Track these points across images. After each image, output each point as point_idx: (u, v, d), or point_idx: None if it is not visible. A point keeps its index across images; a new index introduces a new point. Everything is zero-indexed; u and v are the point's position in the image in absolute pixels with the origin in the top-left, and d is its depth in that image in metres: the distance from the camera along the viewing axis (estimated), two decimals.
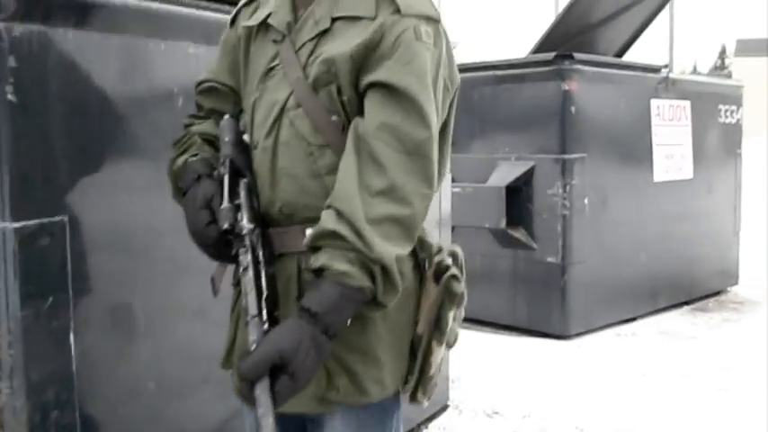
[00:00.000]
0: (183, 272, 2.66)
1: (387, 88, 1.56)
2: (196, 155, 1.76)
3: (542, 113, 5.89)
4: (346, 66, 1.58)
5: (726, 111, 7.50)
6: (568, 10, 6.41)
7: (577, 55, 5.91)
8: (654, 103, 6.52)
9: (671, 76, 6.76)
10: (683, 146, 6.87)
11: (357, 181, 1.52)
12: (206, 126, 1.82)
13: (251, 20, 1.77)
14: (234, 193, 1.64)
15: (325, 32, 1.64)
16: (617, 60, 6.89)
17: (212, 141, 1.79)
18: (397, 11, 1.58)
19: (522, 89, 6.02)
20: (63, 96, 2.37)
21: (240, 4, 1.85)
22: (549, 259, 5.88)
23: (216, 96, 1.83)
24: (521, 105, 6.01)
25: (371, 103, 1.57)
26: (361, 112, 1.59)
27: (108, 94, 2.51)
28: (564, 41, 6.30)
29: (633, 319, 6.45)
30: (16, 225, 2.25)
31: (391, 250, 1.50)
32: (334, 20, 1.63)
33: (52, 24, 2.35)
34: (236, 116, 1.77)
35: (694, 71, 62.43)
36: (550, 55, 5.93)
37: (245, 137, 1.74)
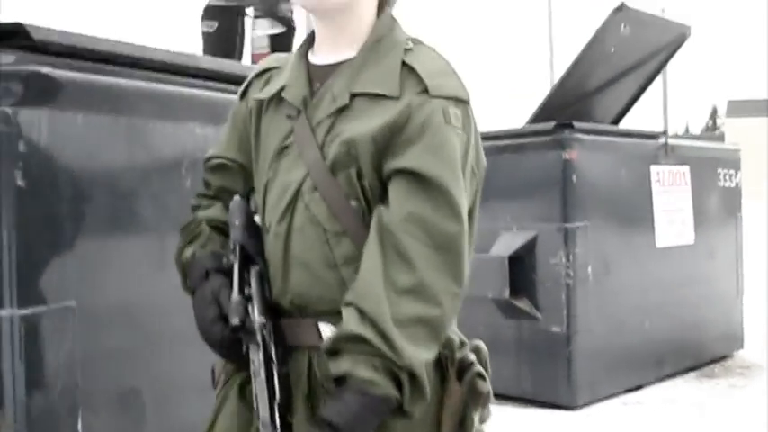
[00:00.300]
0: (190, 351, 2.62)
1: (414, 176, 1.43)
2: (204, 246, 1.65)
3: (543, 182, 5.88)
4: (368, 148, 1.46)
5: (725, 174, 7.51)
6: (564, 79, 6.45)
7: (577, 124, 5.91)
8: (654, 169, 6.53)
9: (669, 141, 6.79)
10: (684, 211, 6.87)
11: (382, 277, 1.39)
12: (214, 211, 1.70)
13: (262, 93, 1.64)
14: (244, 282, 1.52)
15: (343, 109, 1.51)
16: (616, 128, 6.91)
17: (221, 228, 1.67)
18: (425, 91, 1.46)
19: (522, 159, 6.01)
20: (71, 180, 2.37)
21: (251, 75, 1.72)
22: (554, 328, 5.81)
23: (225, 173, 1.71)
24: (521, 175, 5.99)
25: (397, 190, 1.45)
26: (383, 199, 1.47)
27: (116, 177, 2.51)
28: (561, 110, 6.33)
29: (639, 388, 6.36)
30: (23, 312, 2.23)
31: (420, 355, 1.37)
32: (353, 96, 1.51)
33: (60, 108, 2.35)
34: (247, 196, 1.66)
35: (686, 132, 63.03)
36: (550, 124, 5.93)
37: (257, 218, 1.62)
